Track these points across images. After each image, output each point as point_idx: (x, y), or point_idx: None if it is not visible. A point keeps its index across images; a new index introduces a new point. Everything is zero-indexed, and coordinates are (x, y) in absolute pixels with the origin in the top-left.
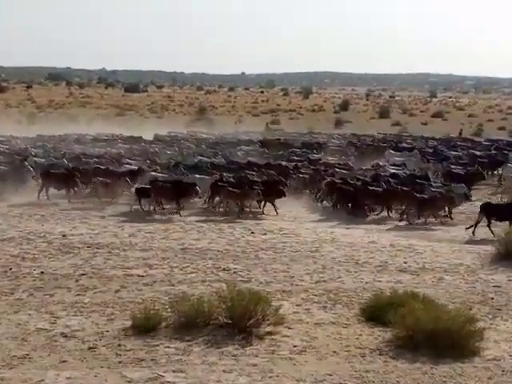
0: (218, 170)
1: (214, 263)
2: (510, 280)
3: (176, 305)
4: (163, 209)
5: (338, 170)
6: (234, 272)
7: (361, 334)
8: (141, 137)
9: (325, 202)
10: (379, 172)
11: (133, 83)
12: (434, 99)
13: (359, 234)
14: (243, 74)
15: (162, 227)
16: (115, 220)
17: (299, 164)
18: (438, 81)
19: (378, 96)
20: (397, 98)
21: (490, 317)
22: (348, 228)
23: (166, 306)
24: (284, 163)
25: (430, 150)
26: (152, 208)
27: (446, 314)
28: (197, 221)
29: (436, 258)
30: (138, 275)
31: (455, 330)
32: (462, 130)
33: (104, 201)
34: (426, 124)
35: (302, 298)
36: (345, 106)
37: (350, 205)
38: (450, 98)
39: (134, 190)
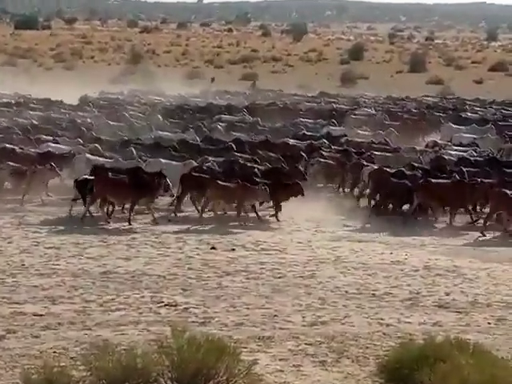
0: (191, 153)
1: (153, 295)
2: None
3: (93, 360)
4: (109, 214)
5: (376, 152)
6: (184, 309)
7: None
8: (61, 101)
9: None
10: (441, 155)
11: (28, 15)
12: (493, 43)
13: (377, 249)
14: (200, 1)
15: (71, 239)
16: (4, 227)
17: (315, 143)
18: (500, 14)
19: (408, 38)
20: (436, 42)
21: None
22: (362, 241)
23: (78, 362)
24: (292, 141)
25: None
26: (96, 211)
27: (509, 374)
28: (125, 229)
29: (495, 287)
30: (35, 314)
31: None
32: None
33: (12, 198)
34: (480, 82)
35: (289, 350)
36: (357, 54)
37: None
38: None
39: (73, 182)
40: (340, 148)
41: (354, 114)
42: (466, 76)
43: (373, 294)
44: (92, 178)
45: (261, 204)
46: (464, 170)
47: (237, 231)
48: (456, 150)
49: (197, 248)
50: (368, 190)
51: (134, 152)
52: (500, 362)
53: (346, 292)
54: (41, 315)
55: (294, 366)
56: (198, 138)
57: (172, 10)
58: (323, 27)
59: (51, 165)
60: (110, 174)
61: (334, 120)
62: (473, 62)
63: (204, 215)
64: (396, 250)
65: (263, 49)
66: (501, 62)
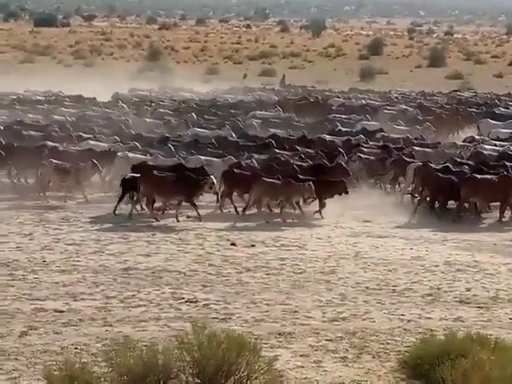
0: (230, 150)
1: (174, 291)
2: None
3: (114, 356)
4: (161, 210)
5: (416, 147)
6: (205, 305)
7: None
8: (94, 98)
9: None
10: (480, 150)
11: (47, 13)
12: None
13: (397, 245)
14: None
15: (92, 236)
16: (25, 223)
17: (353, 139)
18: None
19: (427, 33)
20: (456, 36)
21: None
22: (381, 236)
23: (99, 359)
24: (328, 137)
25: None
26: (139, 208)
27: None
28: (146, 225)
29: None
30: (56, 310)
31: None
32: None
33: (55, 195)
34: (500, 76)
35: (310, 345)
36: (376, 49)
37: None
38: None
39: (120, 181)
40: (379, 144)
41: (386, 109)
42: (486, 70)
43: (393, 290)
44: (138, 175)
45: (304, 201)
46: (508, 164)
47: (256, 227)
48: (495, 145)
49: (217, 244)
50: (413, 187)
51: (173, 149)
52: None
53: (367, 288)
54: (62, 311)
55: (314, 361)
56: (234, 135)
57: (190, 6)
58: (342, 22)
59: (93, 162)
60: (155, 171)
61: (367, 115)
62: (492, 57)
63: (224, 210)
64: (416, 246)
65: (282, 44)
66: None
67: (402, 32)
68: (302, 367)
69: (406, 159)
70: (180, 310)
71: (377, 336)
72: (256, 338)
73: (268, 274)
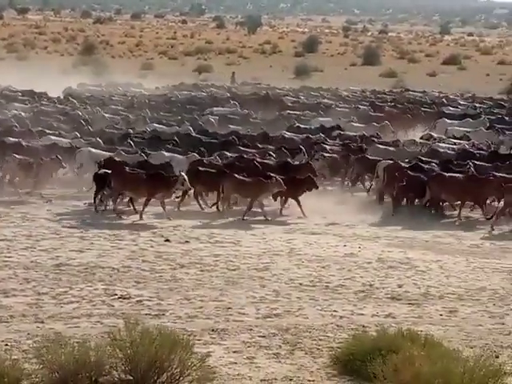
0: (192, 146)
1: (107, 288)
2: None
3: (46, 353)
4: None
5: (379, 145)
6: (138, 301)
7: None
8: (45, 92)
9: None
10: (436, 148)
11: None
12: (446, 37)
13: (331, 242)
14: None
15: (23, 231)
16: None
17: (313, 136)
18: (453, 9)
19: (362, 31)
20: (390, 35)
21: None
22: (315, 233)
23: (30, 356)
24: (288, 134)
25: (502, 118)
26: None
27: (461, 365)
28: (79, 221)
29: (446, 279)
30: None
31: None
32: None
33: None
34: (433, 75)
35: (243, 342)
36: (311, 46)
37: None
38: (471, 35)
39: (92, 176)
40: (341, 142)
41: (339, 107)
42: (420, 69)
43: (326, 287)
44: (110, 171)
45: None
46: (471, 163)
47: (191, 224)
48: (454, 144)
49: (151, 240)
50: (380, 185)
51: (133, 145)
52: (451, 353)
53: (300, 284)
54: None
55: (247, 358)
56: (192, 131)
57: (126, 1)
58: (278, 19)
59: (57, 157)
60: (126, 168)
61: (321, 112)
62: (426, 56)
63: (155, 209)
64: (349, 243)
65: (218, 41)
66: (454, 56)
67: (336, 30)
68: (235, 363)
69: (370, 157)
70: (113, 306)
71: (310, 332)
72: (189, 335)
73: (202, 271)
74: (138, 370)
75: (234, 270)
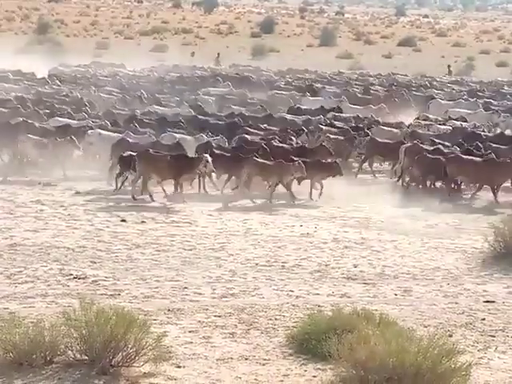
0: (197, 128)
1: (62, 268)
2: (510, 292)
3: (0, 333)
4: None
5: (384, 127)
6: (93, 282)
7: (287, 375)
8: (32, 73)
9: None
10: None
11: None
12: (401, 19)
13: (287, 222)
14: None
15: None
16: None
17: (312, 118)
18: None
19: (319, 12)
20: (347, 17)
21: (480, 347)
22: (272, 214)
23: None
24: (289, 117)
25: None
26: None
27: (415, 344)
28: (33, 201)
29: (401, 259)
30: None
31: (428, 367)
32: (449, 66)
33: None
34: (389, 57)
35: (199, 321)
36: (268, 27)
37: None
38: (426, 17)
39: (118, 159)
40: (341, 124)
41: (328, 89)
42: (376, 51)
43: (282, 266)
44: (135, 153)
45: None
46: (480, 145)
47: (147, 204)
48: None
49: (107, 220)
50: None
51: (138, 128)
52: (406, 332)
53: (256, 264)
54: None
55: (203, 337)
56: (192, 112)
57: None
58: (234, 0)
59: (71, 138)
60: (151, 150)
61: (308, 92)
62: (382, 37)
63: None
64: (305, 223)
65: (174, 21)
66: (409, 38)
67: (293, 11)
68: (191, 343)
69: (380, 140)
70: (68, 286)
71: (265, 312)
72: (145, 315)
73: (158, 251)
74: (93, 349)
75: (190, 250)
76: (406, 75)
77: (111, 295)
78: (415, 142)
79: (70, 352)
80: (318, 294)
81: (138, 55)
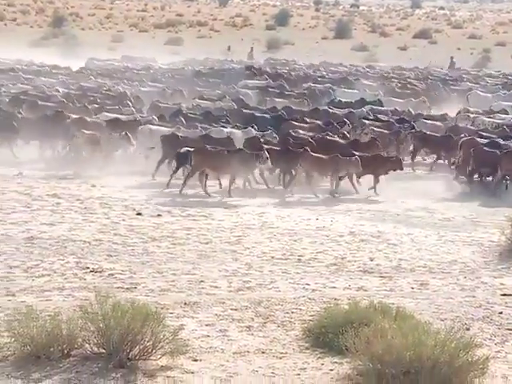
0: (244, 123)
1: (78, 261)
2: None
3: (17, 326)
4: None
5: (426, 120)
6: (110, 275)
7: (304, 368)
8: (68, 67)
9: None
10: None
11: None
12: (417, 11)
13: (303, 215)
14: None
15: None
16: None
17: (354, 110)
18: None
19: (334, 5)
20: (362, 9)
21: (497, 341)
22: (288, 207)
23: (2, 329)
24: (332, 110)
25: None
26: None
27: (432, 337)
28: (49, 195)
29: (418, 252)
30: None
31: (445, 360)
32: (452, 58)
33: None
34: (404, 49)
35: (216, 315)
36: (283, 20)
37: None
38: (442, 9)
39: (175, 155)
40: (383, 118)
41: (364, 81)
42: (391, 43)
43: (298, 260)
44: (192, 149)
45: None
46: None
47: (163, 197)
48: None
49: (122, 214)
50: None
51: (184, 121)
52: (422, 325)
53: (272, 257)
54: None
55: (220, 331)
56: (235, 106)
57: None
58: None
59: (126, 133)
60: (207, 146)
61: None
62: (397, 29)
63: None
64: (322, 216)
65: (188, 13)
66: (425, 30)
67: (308, 3)
68: (208, 336)
69: (428, 133)
70: (85, 279)
71: (282, 305)
72: (161, 308)
73: (174, 244)
74: (110, 343)
75: (207, 243)
76: (441, 68)
77: (127, 288)
78: (472, 135)
79: (87, 345)
80: (334, 287)
81: (153, 48)
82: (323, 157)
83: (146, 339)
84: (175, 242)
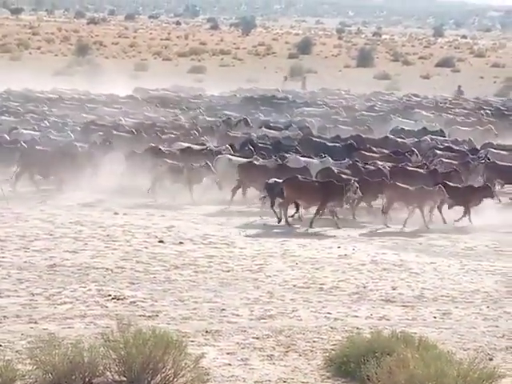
0: (311, 150)
1: (100, 288)
2: None
3: (39, 354)
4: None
5: (493, 150)
6: (132, 302)
7: None
8: (131, 95)
9: None
10: None
11: None
12: (440, 39)
13: (325, 243)
14: None
15: (17, 232)
16: None
17: (420, 140)
18: (447, 11)
19: (356, 33)
20: (384, 37)
21: None
22: (310, 237)
23: (24, 356)
24: (400, 140)
25: None
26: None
27: (455, 368)
28: (72, 222)
29: (440, 281)
30: None
31: None
32: (460, 86)
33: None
34: (427, 78)
35: (237, 343)
36: (306, 48)
37: None
38: (465, 37)
39: (264, 186)
40: (454, 147)
41: (419, 112)
42: (413, 71)
43: (320, 288)
44: (281, 180)
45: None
46: None
47: (184, 225)
48: None
49: (145, 241)
50: None
51: (253, 150)
52: (445, 355)
53: (294, 286)
54: None
55: (241, 359)
56: (300, 133)
57: (120, 1)
58: (272, 21)
59: (207, 163)
60: (299, 176)
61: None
62: (420, 58)
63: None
64: (343, 244)
65: (212, 42)
66: (447, 58)
67: (330, 32)
68: (229, 365)
69: (499, 163)
70: (106, 307)
71: (303, 334)
72: (183, 336)
73: (196, 272)
74: (131, 371)
75: (228, 271)
76: (499, 99)
77: (149, 316)
78: None
79: (108, 373)
80: (356, 316)
81: (176, 76)
82: (409, 188)
83: (168, 367)
84: (197, 269)
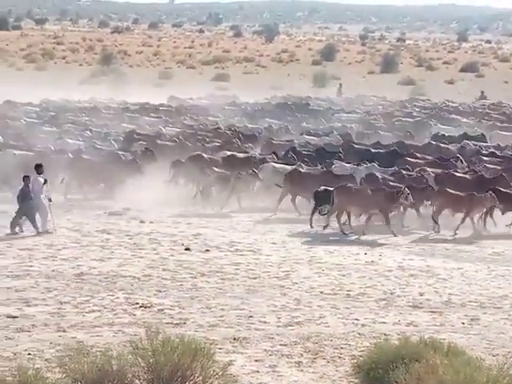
0: (357, 159)
1: (128, 296)
2: None
3: (68, 362)
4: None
5: None
6: (159, 310)
7: None
8: (169, 105)
9: None
10: None
11: None
12: (464, 44)
13: (351, 250)
14: (172, 1)
15: (44, 241)
16: None
17: (463, 145)
18: (471, 16)
19: (380, 39)
20: (408, 43)
21: None
22: (336, 242)
23: (53, 365)
24: (444, 145)
25: None
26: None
27: (484, 374)
28: (99, 230)
29: (468, 287)
30: (8, 316)
31: None
32: (483, 92)
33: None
34: (451, 83)
35: (265, 350)
36: (329, 54)
37: None
38: (489, 42)
39: (313, 194)
40: (498, 153)
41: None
42: (438, 77)
43: (347, 295)
44: (331, 188)
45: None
46: None
47: (210, 232)
48: None
49: (171, 249)
50: None
51: (295, 158)
52: (474, 361)
53: (321, 292)
54: (14, 317)
55: (269, 366)
56: (341, 140)
57: (143, 10)
58: (295, 28)
59: (253, 171)
60: (350, 184)
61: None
62: (444, 63)
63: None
64: (370, 251)
65: (235, 50)
66: (471, 63)
67: (354, 38)
68: (257, 372)
69: None
70: (134, 315)
71: (331, 340)
72: (211, 343)
73: (223, 279)
74: (160, 378)
75: (255, 278)
76: None
77: (177, 324)
78: None
79: (137, 381)
80: (383, 322)
81: (200, 84)
82: (460, 194)
83: (196, 375)
84: (224, 277)
